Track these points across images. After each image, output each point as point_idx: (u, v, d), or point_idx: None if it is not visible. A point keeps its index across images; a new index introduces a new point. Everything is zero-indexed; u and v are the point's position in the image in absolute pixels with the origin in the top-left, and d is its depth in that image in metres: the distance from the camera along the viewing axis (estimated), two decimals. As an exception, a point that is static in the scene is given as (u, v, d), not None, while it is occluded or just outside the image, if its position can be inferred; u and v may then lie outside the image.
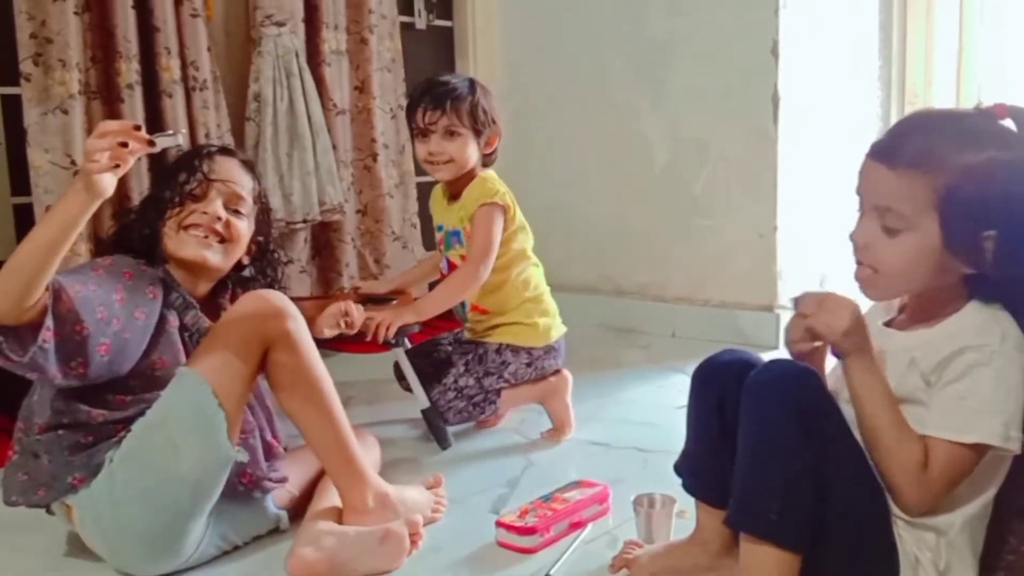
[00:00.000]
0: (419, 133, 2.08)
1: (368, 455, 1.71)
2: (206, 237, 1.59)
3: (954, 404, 1.10)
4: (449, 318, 2.22)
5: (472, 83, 2.11)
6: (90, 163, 1.28)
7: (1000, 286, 1.14)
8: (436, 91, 2.06)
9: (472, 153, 2.08)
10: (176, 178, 1.61)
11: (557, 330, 2.17)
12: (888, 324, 1.24)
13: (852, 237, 1.17)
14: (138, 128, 1.31)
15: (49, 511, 1.53)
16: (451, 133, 2.05)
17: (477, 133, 2.07)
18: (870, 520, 1.15)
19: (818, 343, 1.18)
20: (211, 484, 1.47)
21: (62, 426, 1.46)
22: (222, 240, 1.61)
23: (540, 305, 2.16)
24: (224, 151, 1.70)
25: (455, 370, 2.05)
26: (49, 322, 1.33)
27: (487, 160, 2.15)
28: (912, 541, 1.15)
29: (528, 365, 2.12)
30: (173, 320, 1.55)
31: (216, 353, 1.47)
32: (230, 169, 1.65)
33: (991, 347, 1.10)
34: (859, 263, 1.17)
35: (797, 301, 1.17)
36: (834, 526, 1.12)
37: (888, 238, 1.13)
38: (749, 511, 1.15)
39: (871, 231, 1.15)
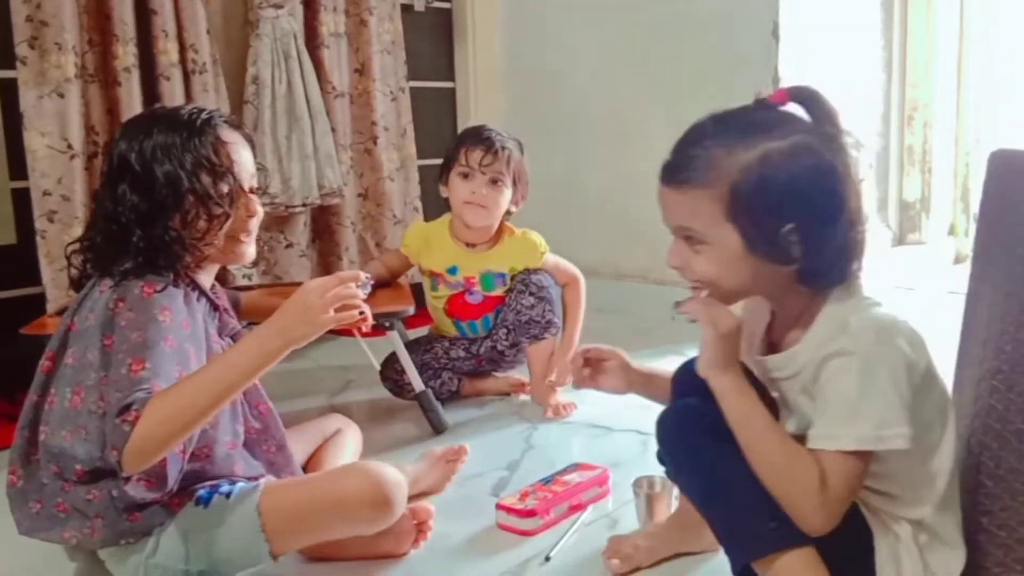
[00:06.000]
0: (462, 173, 2.16)
1: (348, 446, 1.70)
2: (249, 235, 1.43)
3: (827, 412, 1.06)
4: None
5: (519, 143, 2.23)
6: (325, 315, 1.21)
7: (827, 275, 1.09)
8: (489, 137, 2.16)
9: (504, 205, 2.19)
10: (200, 181, 1.32)
11: None
12: (763, 355, 1.18)
13: (668, 263, 1.15)
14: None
15: None
16: (495, 180, 2.15)
17: (513, 187, 2.19)
18: None
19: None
20: None
21: (112, 475, 1.25)
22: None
23: None
24: (241, 133, 1.45)
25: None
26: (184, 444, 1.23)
27: (506, 215, 2.24)
28: (890, 521, 1.13)
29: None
30: (215, 336, 1.39)
31: (301, 525, 1.34)
32: (248, 158, 1.43)
33: (848, 349, 1.05)
34: (692, 285, 1.14)
35: (681, 303, 1.14)
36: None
37: (696, 255, 1.11)
38: (748, 541, 1.10)
39: (681, 252, 1.12)
